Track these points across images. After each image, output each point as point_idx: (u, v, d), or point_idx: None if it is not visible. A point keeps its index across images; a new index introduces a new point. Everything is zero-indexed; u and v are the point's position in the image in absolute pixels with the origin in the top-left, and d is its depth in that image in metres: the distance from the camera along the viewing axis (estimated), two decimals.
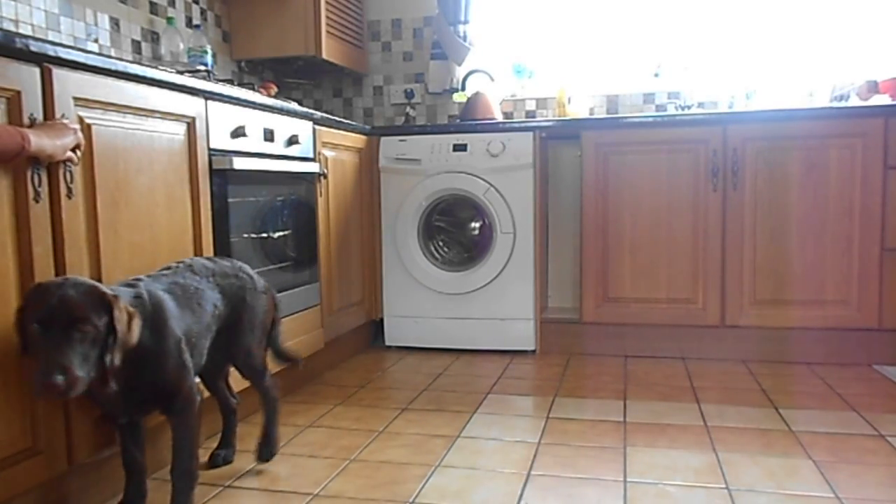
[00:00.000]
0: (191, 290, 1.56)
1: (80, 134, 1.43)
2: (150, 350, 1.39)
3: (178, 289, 1.53)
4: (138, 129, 1.66)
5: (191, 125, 1.85)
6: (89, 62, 1.50)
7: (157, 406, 1.48)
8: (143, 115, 1.68)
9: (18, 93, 1.34)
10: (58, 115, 1.41)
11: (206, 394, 1.82)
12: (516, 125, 3.03)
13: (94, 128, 1.52)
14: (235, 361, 1.77)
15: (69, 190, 1.45)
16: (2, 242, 1.31)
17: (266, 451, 1.82)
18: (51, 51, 1.40)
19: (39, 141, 1.31)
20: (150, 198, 1.70)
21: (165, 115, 1.76)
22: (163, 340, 1.42)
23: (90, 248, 1.52)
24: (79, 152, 1.44)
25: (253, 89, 2.59)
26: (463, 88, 3.55)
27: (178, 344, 1.45)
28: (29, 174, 1.35)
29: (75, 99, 1.47)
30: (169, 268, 1.60)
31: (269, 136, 2.26)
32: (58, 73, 1.42)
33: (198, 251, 1.88)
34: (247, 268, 1.77)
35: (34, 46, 1.36)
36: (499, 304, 3.04)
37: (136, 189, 1.65)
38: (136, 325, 1.32)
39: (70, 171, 1.45)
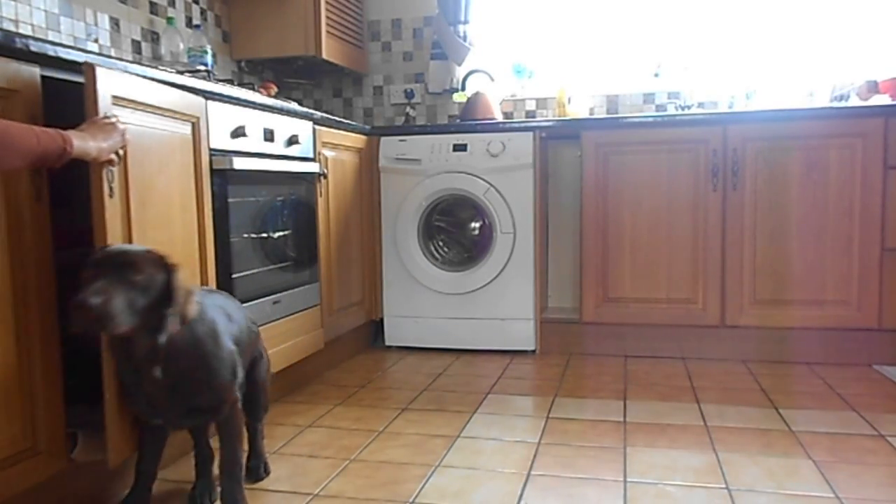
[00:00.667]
0: (230, 310, 1.59)
1: (127, 135, 1.44)
2: (207, 354, 1.40)
3: (223, 307, 1.56)
4: (157, 129, 1.66)
5: (195, 125, 1.85)
6: (98, 62, 1.50)
7: (203, 413, 1.47)
8: (162, 115, 1.69)
9: (18, 93, 1.34)
10: (101, 114, 1.41)
11: None
12: (516, 125, 3.03)
13: (127, 127, 1.52)
14: (256, 390, 1.75)
15: (111, 189, 1.45)
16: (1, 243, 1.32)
17: (261, 465, 1.79)
18: (51, 51, 1.40)
19: (83, 144, 1.29)
20: (168, 197, 1.71)
21: (177, 115, 1.76)
22: (219, 348, 1.43)
23: None
24: (121, 153, 1.44)
25: (253, 89, 2.59)
26: (463, 88, 3.55)
27: (231, 354, 1.47)
28: (29, 173, 1.35)
29: (114, 97, 1.47)
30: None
31: (269, 136, 2.26)
32: (100, 72, 1.42)
33: (201, 251, 1.88)
34: None
35: (33, 46, 1.36)
36: (499, 304, 3.04)
37: (157, 188, 1.65)
38: (194, 302, 1.34)
39: (111, 171, 1.45)
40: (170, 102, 1.71)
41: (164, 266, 1.29)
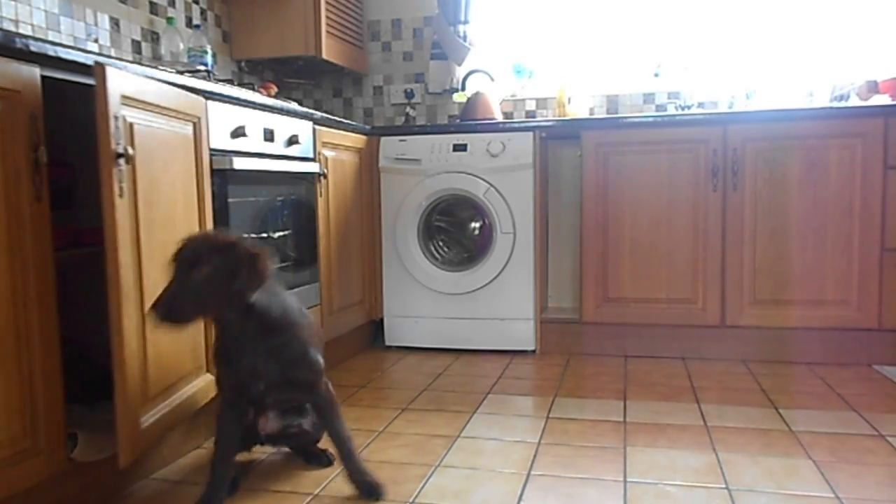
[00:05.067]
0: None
1: None
2: (298, 323, 1.54)
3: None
4: (162, 129, 1.66)
5: (196, 125, 1.86)
6: (94, 61, 1.50)
7: (300, 387, 1.58)
8: (167, 115, 1.68)
9: (18, 93, 1.34)
10: (111, 114, 1.40)
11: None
12: (516, 125, 3.03)
13: (135, 127, 1.52)
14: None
15: (121, 189, 1.45)
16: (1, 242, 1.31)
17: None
18: (51, 51, 1.40)
19: None
20: (172, 196, 1.70)
21: (180, 115, 1.76)
22: (306, 319, 1.58)
23: (133, 247, 1.51)
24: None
25: (253, 89, 2.59)
26: (463, 88, 3.55)
27: (318, 328, 1.63)
28: (29, 173, 1.36)
29: (123, 97, 1.47)
30: None
31: (269, 136, 2.26)
32: (110, 71, 1.41)
33: None
34: None
35: (34, 46, 1.36)
36: (499, 304, 3.04)
37: (162, 188, 1.65)
38: (265, 262, 1.42)
39: (121, 170, 1.44)
40: (173, 102, 1.71)
41: (223, 248, 1.39)
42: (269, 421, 1.71)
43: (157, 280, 1.58)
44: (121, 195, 1.44)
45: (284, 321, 1.52)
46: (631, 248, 2.91)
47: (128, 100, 1.49)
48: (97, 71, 1.39)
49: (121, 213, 1.44)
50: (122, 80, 1.47)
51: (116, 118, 1.43)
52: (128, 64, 1.61)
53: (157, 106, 1.63)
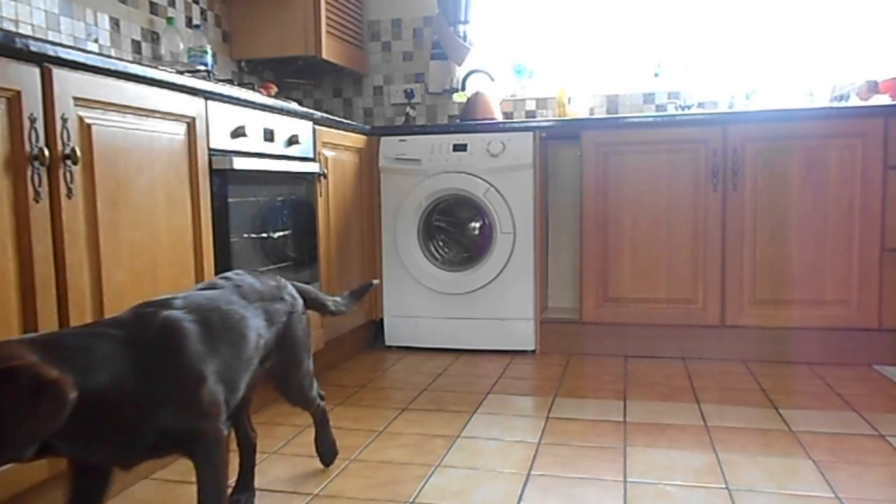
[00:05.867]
0: (234, 319, 1.35)
1: None
2: (161, 389, 1.15)
3: (217, 317, 1.31)
4: (138, 129, 1.66)
5: (191, 125, 1.85)
6: (89, 62, 1.50)
7: (175, 451, 1.24)
8: (143, 115, 1.68)
9: (18, 93, 1.34)
10: (58, 115, 1.41)
11: None
12: (516, 125, 3.03)
13: (93, 128, 1.52)
14: (288, 395, 1.65)
15: (69, 190, 1.45)
16: (2, 243, 1.31)
17: (330, 454, 1.83)
18: (51, 50, 1.40)
19: None
20: (150, 197, 1.71)
21: (165, 115, 1.76)
22: (179, 379, 1.19)
23: (90, 247, 1.52)
24: None
25: (253, 89, 2.59)
26: (463, 88, 3.55)
27: (201, 382, 1.22)
28: (29, 174, 1.36)
29: (75, 99, 1.47)
30: (215, 286, 1.41)
31: (269, 136, 2.26)
32: (58, 73, 1.42)
33: (198, 251, 1.89)
34: (290, 287, 1.60)
35: (34, 46, 1.36)
36: (499, 304, 3.04)
37: (136, 189, 1.66)
38: (61, 395, 0.98)
39: (70, 172, 1.45)
40: (155, 103, 1.71)
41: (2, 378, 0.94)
42: None
43: (122, 281, 1.59)
44: (69, 196, 1.45)
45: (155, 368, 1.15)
46: (631, 247, 2.91)
47: (87, 101, 1.50)
48: (44, 73, 1.40)
49: (69, 213, 1.45)
50: (76, 83, 1.47)
51: (65, 119, 1.43)
52: (128, 64, 1.61)
53: (129, 107, 1.63)
